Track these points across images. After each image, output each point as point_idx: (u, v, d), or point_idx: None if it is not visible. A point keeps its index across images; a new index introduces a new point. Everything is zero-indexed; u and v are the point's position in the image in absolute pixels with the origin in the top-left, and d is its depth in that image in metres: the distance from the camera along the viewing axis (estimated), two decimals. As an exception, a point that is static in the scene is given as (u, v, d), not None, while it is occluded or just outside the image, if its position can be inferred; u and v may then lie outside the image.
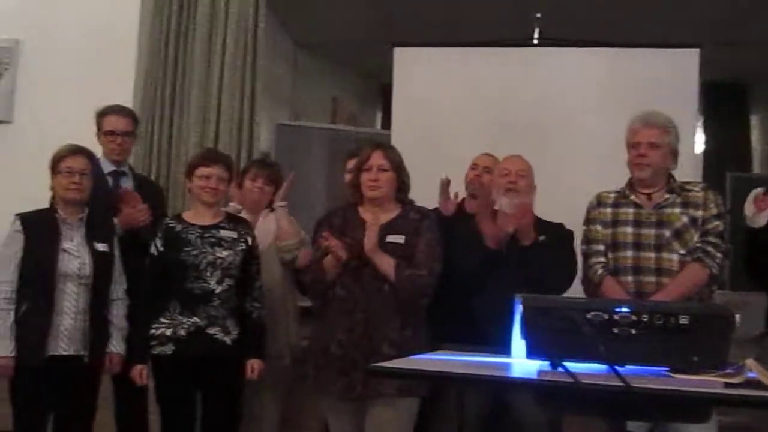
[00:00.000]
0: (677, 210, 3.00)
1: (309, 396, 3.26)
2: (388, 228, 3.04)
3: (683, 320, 1.76)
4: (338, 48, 7.00)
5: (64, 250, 3.14)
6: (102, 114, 3.69)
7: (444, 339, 2.86)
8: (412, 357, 2.34)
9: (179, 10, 4.56)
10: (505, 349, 2.04)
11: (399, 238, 3.02)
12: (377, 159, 3.06)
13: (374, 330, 2.93)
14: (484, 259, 3.06)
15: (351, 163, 3.45)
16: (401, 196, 3.13)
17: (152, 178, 4.35)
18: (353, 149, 3.66)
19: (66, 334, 3.10)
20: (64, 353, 3.09)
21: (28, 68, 4.58)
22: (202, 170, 3.28)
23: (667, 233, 2.99)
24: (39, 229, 3.14)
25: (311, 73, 7.20)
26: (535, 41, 5.63)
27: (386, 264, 2.96)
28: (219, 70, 4.46)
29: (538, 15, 5.58)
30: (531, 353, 1.84)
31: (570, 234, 3.22)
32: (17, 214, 3.19)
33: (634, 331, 1.78)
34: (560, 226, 3.25)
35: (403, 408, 2.93)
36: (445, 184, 3.61)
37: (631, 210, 3.07)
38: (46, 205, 3.31)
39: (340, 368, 2.93)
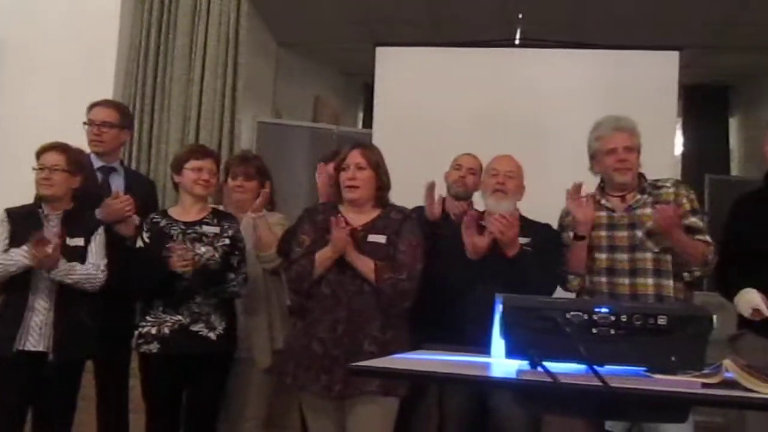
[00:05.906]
0: (648, 210, 3.03)
1: (292, 394, 3.23)
2: (369, 228, 3.02)
3: (662, 321, 1.77)
4: (321, 47, 7.01)
5: None
6: (89, 107, 3.64)
7: (425, 340, 2.84)
8: (393, 356, 2.34)
9: (161, 5, 4.53)
10: (485, 349, 2.04)
11: (381, 238, 2.99)
12: (354, 158, 3.04)
13: (356, 329, 2.91)
14: (466, 271, 3.04)
15: (322, 168, 3.48)
16: (381, 195, 3.09)
17: (134, 174, 4.30)
18: (327, 153, 3.64)
19: (36, 331, 3.08)
20: (33, 349, 3.07)
21: (11, 66, 4.54)
22: (193, 163, 3.28)
23: (639, 233, 3.02)
24: (23, 224, 3.12)
25: (294, 71, 7.19)
26: (517, 42, 5.66)
27: (365, 266, 2.93)
28: (200, 68, 4.44)
29: (520, 16, 5.61)
30: (511, 353, 1.84)
31: (557, 235, 3.21)
32: (6, 209, 3.21)
33: (613, 332, 1.78)
34: (547, 227, 3.24)
35: (385, 406, 2.92)
36: (431, 189, 3.50)
37: (603, 214, 3.11)
38: (27, 200, 3.29)
39: (320, 366, 2.90)
